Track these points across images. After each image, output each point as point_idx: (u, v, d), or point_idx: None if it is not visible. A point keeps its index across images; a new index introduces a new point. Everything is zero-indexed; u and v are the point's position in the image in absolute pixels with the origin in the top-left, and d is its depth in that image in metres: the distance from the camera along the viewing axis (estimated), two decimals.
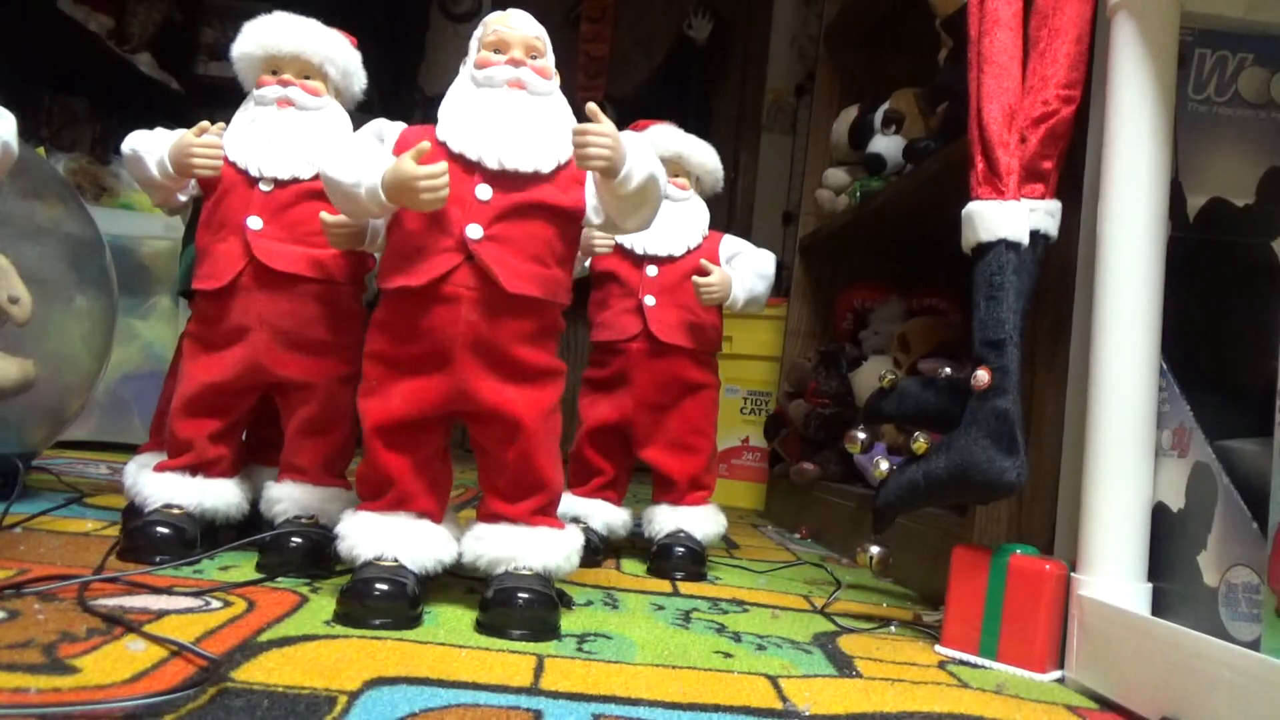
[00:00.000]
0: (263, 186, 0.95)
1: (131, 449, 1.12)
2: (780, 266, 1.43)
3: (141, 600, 0.73)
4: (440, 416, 0.82)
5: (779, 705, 0.64)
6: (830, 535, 1.56)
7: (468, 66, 0.85)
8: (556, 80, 0.86)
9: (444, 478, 0.85)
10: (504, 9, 0.87)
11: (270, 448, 1.02)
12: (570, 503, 1.15)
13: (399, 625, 0.73)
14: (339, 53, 1.00)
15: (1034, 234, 0.86)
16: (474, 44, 0.86)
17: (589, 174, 0.83)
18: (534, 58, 0.85)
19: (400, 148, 0.81)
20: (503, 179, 0.80)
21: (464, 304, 0.78)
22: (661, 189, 0.85)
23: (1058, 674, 0.80)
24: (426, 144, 0.78)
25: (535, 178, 0.81)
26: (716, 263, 1.16)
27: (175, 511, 0.91)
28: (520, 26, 0.85)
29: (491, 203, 0.80)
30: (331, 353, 0.96)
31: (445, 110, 0.83)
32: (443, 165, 0.77)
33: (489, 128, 0.80)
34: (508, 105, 0.82)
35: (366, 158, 0.80)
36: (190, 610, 0.71)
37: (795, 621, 0.93)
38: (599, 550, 1.14)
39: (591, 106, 0.80)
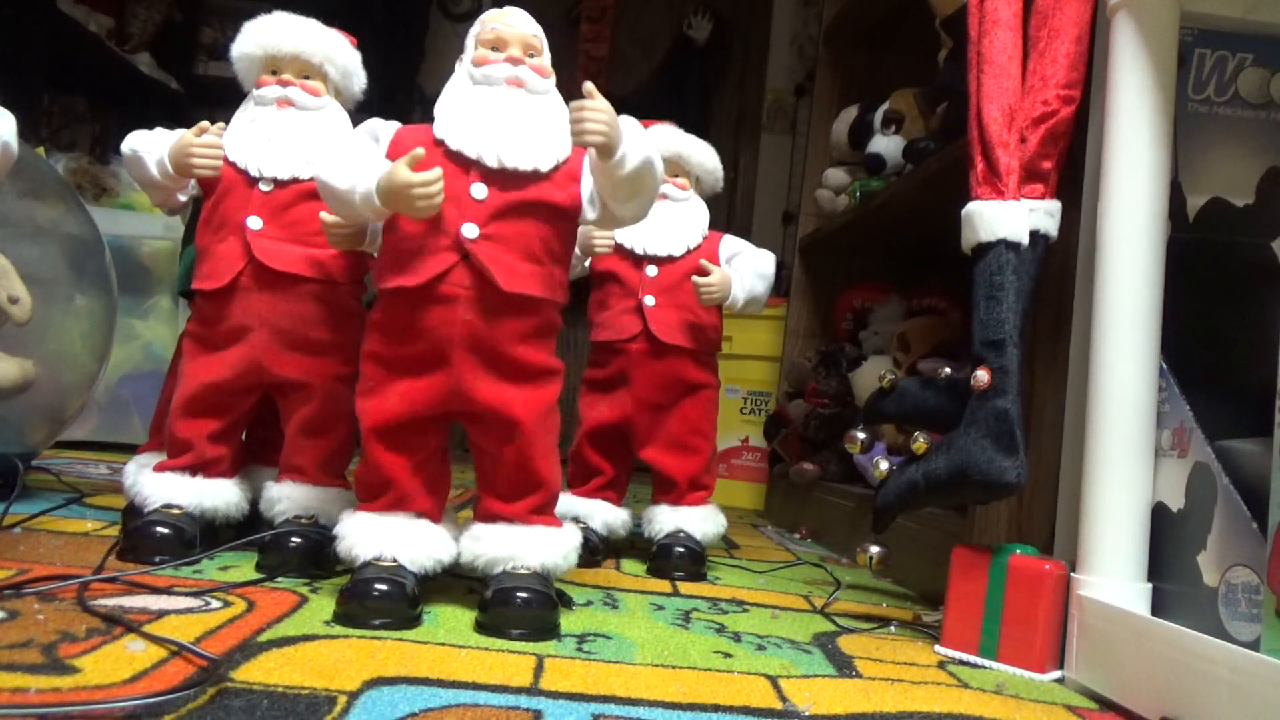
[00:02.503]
0: (262, 186, 0.95)
1: (131, 449, 1.12)
2: (780, 266, 1.43)
3: (141, 600, 0.73)
4: (438, 416, 0.82)
5: (779, 705, 0.64)
6: (830, 535, 1.56)
7: (464, 64, 0.85)
8: (553, 79, 0.87)
9: (442, 478, 0.85)
10: (501, 7, 0.87)
11: (270, 448, 1.02)
12: (570, 503, 1.15)
13: (399, 625, 0.73)
14: (339, 53, 1.00)
15: (1034, 234, 0.86)
16: (470, 41, 0.86)
17: (584, 165, 0.83)
18: (531, 56, 0.85)
19: (395, 148, 0.81)
20: (499, 177, 0.80)
21: (461, 304, 0.78)
22: (659, 175, 0.85)
23: (1057, 674, 0.80)
24: (421, 151, 0.77)
25: (534, 176, 0.80)
26: (716, 263, 1.16)
27: (175, 511, 0.91)
28: (518, 24, 0.85)
29: (487, 201, 0.79)
30: (331, 353, 0.96)
31: (442, 108, 0.83)
32: (437, 172, 0.77)
33: (489, 126, 0.80)
34: (507, 104, 0.82)
35: (362, 162, 0.80)
36: (190, 610, 0.71)
37: (795, 621, 0.93)
38: (599, 550, 1.15)
39: (588, 85, 0.80)
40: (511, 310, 0.80)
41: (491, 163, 0.79)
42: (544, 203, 0.81)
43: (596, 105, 0.78)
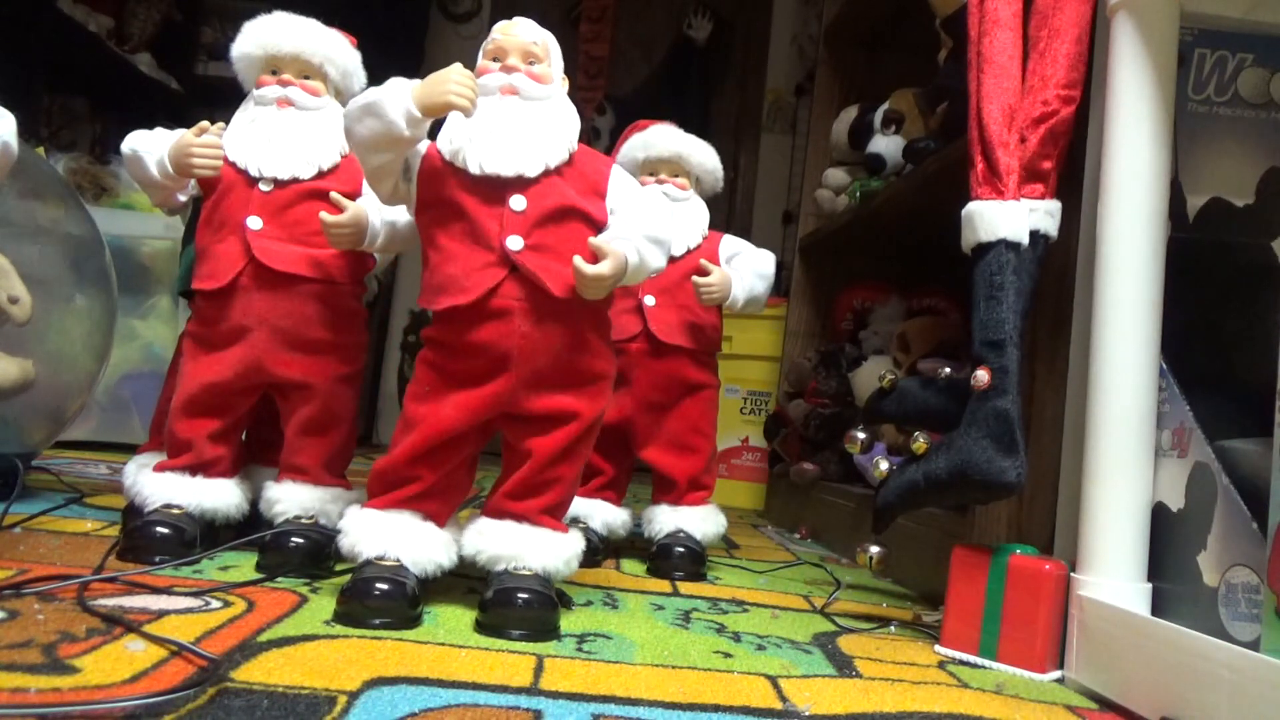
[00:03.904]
0: (262, 186, 0.95)
1: (131, 449, 1.12)
2: (780, 266, 1.43)
3: (141, 600, 0.73)
4: (488, 422, 0.82)
5: (779, 705, 0.64)
6: (830, 535, 1.56)
7: None
8: (561, 85, 0.86)
9: (462, 485, 0.85)
10: (505, 11, 0.87)
11: (270, 448, 1.02)
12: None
13: (399, 625, 0.73)
14: (339, 53, 1.00)
15: (1034, 234, 0.86)
16: (480, 55, 0.86)
17: (609, 179, 0.85)
18: (532, 64, 0.84)
19: (426, 161, 0.82)
20: (531, 186, 0.80)
21: (516, 316, 0.79)
22: (663, 265, 0.87)
23: (1057, 674, 0.80)
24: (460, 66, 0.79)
25: (527, 180, 0.80)
26: (716, 263, 1.16)
27: (175, 511, 0.91)
28: (519, 34, 0.85)
29: (527, 212, 0.80)
30: (331, 353, 0.96)
31: (448, 122, 0.83)
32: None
33: (480, 134, 0.81)
34: (498, 111, 0.82)
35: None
36: (190, 610, 0.71)
37: (795, 621, 0.93)
38: (599, 550, 1.14)
39: (594, 244, 0.79)
40: (565, 316, 0.80)
41: (474, 169, 0.80)
42: (580, 210, 0.82)
43: (600, 274, 0.78)
